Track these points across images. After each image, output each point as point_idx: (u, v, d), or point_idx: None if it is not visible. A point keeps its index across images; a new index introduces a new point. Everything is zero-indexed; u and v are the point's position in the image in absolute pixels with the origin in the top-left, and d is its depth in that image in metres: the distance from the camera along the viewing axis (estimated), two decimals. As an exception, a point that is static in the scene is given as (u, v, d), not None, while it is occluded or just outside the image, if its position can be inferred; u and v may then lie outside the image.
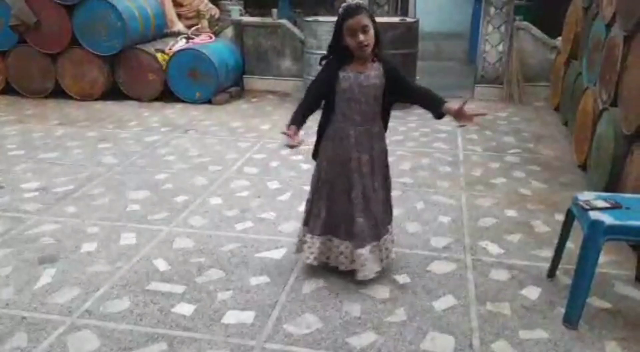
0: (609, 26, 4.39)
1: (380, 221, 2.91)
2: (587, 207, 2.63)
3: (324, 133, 2.87)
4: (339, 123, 2.80)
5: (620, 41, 3.93)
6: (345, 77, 2.70)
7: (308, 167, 4.71)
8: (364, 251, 2.86)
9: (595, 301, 2.82)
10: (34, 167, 4.73)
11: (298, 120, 2.76)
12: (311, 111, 2.83)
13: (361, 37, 2.58)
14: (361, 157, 2.80)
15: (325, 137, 2.87)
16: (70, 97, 7.01)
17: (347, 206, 2.84)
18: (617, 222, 2.49)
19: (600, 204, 2.65)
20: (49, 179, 4.45)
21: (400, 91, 2.81)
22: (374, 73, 2.71)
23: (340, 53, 2.70)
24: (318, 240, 2.95)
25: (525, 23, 7.10)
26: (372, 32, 2.60)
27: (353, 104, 2.74)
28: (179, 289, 2.94)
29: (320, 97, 2.84)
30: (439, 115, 2.79)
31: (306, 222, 3.00)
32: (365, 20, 2.58)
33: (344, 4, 2.68)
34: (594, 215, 2.54)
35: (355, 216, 2.83)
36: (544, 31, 7.13)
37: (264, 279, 3.04)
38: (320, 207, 2.90)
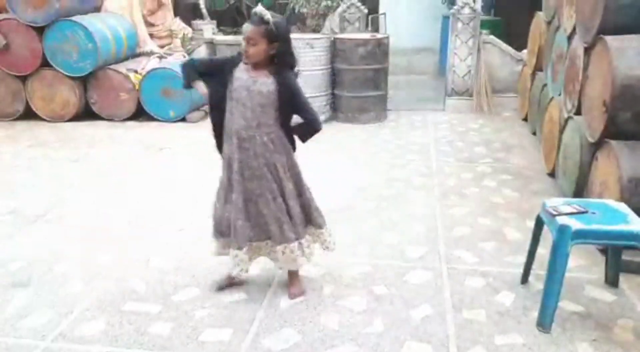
0: (570, 38, 4.54)
1: (272, 225, 2.84)
2: (555, 212, 2.70)
3: (214, 129, 2.92)
4: (228, 122, 2.80)
5: (581, 52, 4.08)
6: (237, 77, 2.71)
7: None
8: (240, 252, 2.86)
9: (567, 305, 2.88)
10: (4, 190, 4.65)
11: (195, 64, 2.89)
12: (196, 66, 2.87)
13: (244, 45, 2.63)
14: (243, 161, 2.77)
15: (224, 134, 2.87)
16: (41, 119, 6.93)
17: (227, 207, 2.87)
18: (584, 227, 2.57)
19: (567, 209, 2.73)
20: (20, 202, 4.38)
21: (293, 110, 2.80)
22: (262, 80, 2.68)
23: None
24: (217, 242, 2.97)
25: (492, 37, 7.30)
26: (258, 47, 2.60)
27: (239, 106, 2.72)
28: (155, 308, 2.92)
29: (210, 66, 2.88)
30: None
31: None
32: (253, 33, 2.60)
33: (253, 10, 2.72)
34: (561, 220, 2.62)
35: (234, 218, 2.82)
36: (510, 44, 7.33)
37: (240, 295, 3.04)
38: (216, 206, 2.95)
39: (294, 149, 2.92)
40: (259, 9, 2.66)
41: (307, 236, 2.96)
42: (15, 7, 6.52)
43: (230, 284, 3.10)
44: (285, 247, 2.85)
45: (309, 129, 2.85)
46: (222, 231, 2.91)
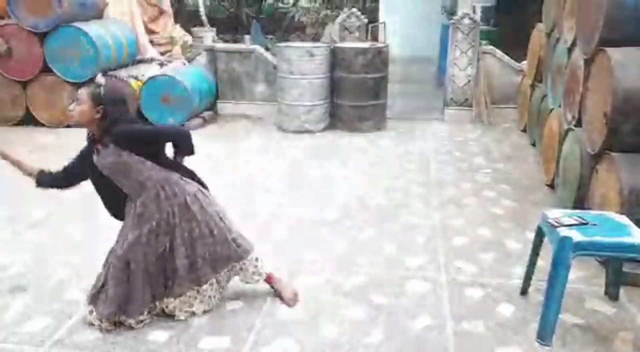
0: (570, 50, 4.56)
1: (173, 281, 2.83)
2: (556, 224, 2.70)
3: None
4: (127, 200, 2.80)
5: (581, 64, 4.09)
6: (95, 163, 2.70)
7: (281, 190, 4.73)
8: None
9: (567, 317, 2.88)
10: (3, 196, 4.63)
11: (45, 177, 2.89)
12: (64, 180, 2.88)
13: (73, 104, 2.63)
14: (151, 223, 2.76)
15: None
16: (41, 124, 6.92)
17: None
18: (585, 238, 2.57)
19: (568, 221, 2.72)
20: (19, 207, 4.36)
21: (156, 146, 2.76)
22: (105, 154, 2.66)
23: None
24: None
25: (491, 48, 7.33)
26: (82, 107, 2.59)
27: (116, 183, 2.73)
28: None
29: (75, 165, 2.84)
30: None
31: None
32: (81, 92, 2.62)
33: None
34: (562, 231, 2.61)
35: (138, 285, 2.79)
36: (510, 55, 7.36)
37: (239, 304, 3.02)
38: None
39: (189, 173, 2.87)
40: (99, 78, 2.69)
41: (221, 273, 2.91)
42: (17, 12, 6.54)
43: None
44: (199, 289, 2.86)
45: (183, 144, 2.77)
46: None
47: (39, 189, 2.89)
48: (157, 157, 2.75)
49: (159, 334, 2.74)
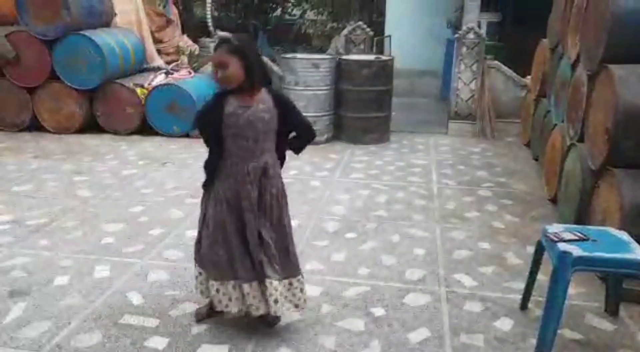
0: (574, 66, 4.59)
1: (276, 261, 2.67)
2: (556, 239, 2.70)
3: (214, 170, 2.66)
4: (226, 160, 2.61)
5: (584, 80, 4.11)
6: (230, 112, 2.53)
7: (285, 200, 4.74)
8: (274, 286, 2.65)
9: (566, 333, 2.87)
10: (6, 200, 4.66)
11: (209, 167, 2.69)
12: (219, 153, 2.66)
13: (218, 73, 2.48)
14: (252, 194, 2.60)
15: (216, 176, 2.66)
16: (47, 131, 6.97)
17: (243, 246, 2.65)
18: (585, 254, 2.56)
19: (569, 236, 2.72)
20: (22, 212, 4.39)
21: (287, 125, 2.70)
22: (262, 106, 2.56)
23: None
24: (229, 285, 2.71)
25: (496, 62, 7.37)
26: (232, 69, 2.44)
27: (239, 140, 2.56)
28: (152, 322, 2.90)
29: (211, 128, 2.61)
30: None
31: (203, 266, 2.78)
32: (223, 56, 2.45)
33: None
34: (562, 246, 2.61)
35: (254, 254, 2.64)
36: (514, 70, 7.40)
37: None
38: (218, 251, 2.68)
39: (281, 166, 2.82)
40: (220, 34, 2.63)
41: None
42: (26, 19, 6.62)
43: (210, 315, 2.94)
44: (284, 282, 2.71)
45: (305, 141, 2.79)
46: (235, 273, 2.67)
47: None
48: (281, 140, 2.71)
49: (157, 341, 2.74)
